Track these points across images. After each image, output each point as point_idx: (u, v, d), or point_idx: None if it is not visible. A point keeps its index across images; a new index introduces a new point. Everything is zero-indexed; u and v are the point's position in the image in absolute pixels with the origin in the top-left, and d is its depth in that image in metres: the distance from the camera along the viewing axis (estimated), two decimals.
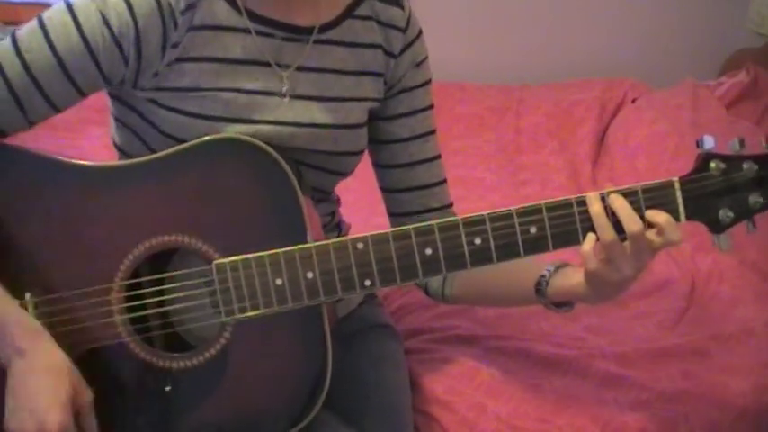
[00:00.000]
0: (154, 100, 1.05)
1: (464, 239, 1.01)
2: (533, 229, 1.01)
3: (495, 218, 1.01)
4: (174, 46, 1.03)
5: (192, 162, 1.03)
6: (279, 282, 1.01)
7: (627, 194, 1.00)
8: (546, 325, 1.43)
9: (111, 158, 1.16)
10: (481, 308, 1.47)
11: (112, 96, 1.11)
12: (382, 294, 1.48)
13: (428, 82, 1.22)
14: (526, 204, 1.01)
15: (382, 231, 1.02)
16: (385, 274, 1.02)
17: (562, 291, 1.08)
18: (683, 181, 1.01)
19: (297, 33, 1.09)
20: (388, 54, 1.16)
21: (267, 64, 1.08)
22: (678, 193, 1.01)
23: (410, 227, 1.01)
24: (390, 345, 1.30)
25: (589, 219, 0.99)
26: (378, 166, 1.25)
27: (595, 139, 2.21)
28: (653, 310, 1.49)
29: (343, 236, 1.30)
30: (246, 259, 1.01)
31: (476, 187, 2.04)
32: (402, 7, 1.17)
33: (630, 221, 0.98)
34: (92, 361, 1.04)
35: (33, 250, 1.04)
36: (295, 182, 1.02)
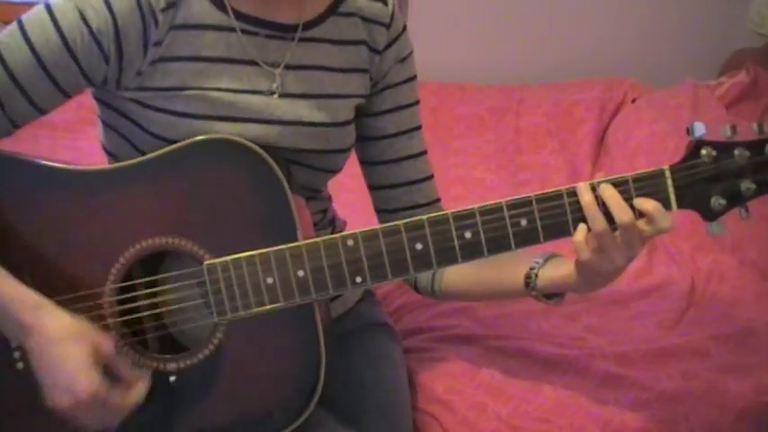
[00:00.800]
0: (139, 100, 1.05)
1: (454, 233, 1.01)
2: (524, 222, 1.01)
3: (485, 211, 1.01)
4: (157, 44, 1.03)
5: (180, 163, 1.03)
6: (270, 281, 1.01)
7: (617, 184, 1.00)
8: (546, 325, 1.43)
9: (105, 161, 1.16)
10: (481, 307, 1.47)
11: (98, 100, 1.11)
12: (381, 293, 1.48)
13: (413, 78, 1.22)
14: (516, 197, 1.01)
15: (372, 227, 1.02)
16: (376, 270, 1.02)
17: (551, 282, 1.08)
18: (673, 169, 1.01)
19: (280, 31, 1.09)
20: (372, 50, 1.16)
21: (252, 62, 1.08)
22: (669, 182, 1.01)
23: (400, 222, 1.01)
24: (388, 344, 1.30)
25: (580, 209, 0.99)
26: (364, 162, 1.25)
27: (595, 139, 2.21)
28: (653, 310, 1.49)
29: (337, 233, 1.30)
30: (237, 259, 1.01)
31: (476, 187, 2.04)
32: (385, 3, 1.17)
33: (620, 211, 0.98)
34: None
35: (24, 256, 1.03)
36: (284, 181, 1.01)
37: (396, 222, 1.01)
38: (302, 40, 1.10)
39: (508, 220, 1.01)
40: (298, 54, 1.10)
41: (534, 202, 1.01)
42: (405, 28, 1.20)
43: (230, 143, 1.02)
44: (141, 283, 1.05)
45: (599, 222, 0.98)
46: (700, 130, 1.01)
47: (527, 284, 1.10)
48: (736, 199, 1.02)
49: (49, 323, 0.96)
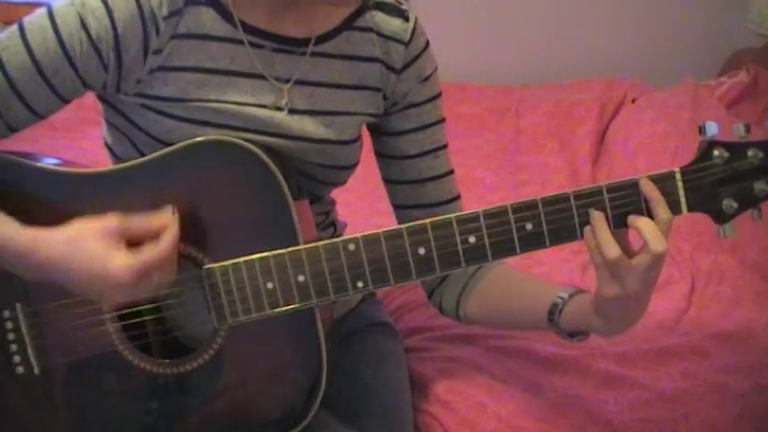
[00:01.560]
0: (139, 104, 1.04)
1: (458, 238, 0.99)
2: (529, 225, 0.98)
3: (489, 214, 0.98)
4: (156, 52, 1.01)
5: (180, 166, 1.02)
6: (270, 285, 1.00)
7: (626, 186, 0.98)
8: None
9: (108, 159, 1.15)
10: None
11: (101, 99, 1.10)
12: (382, 293, 1.48)
13: (437, 96, 1.18)
14: (521, 200, 0.99)
15: (374, 231, 1.00)
16: (377, 275, 1.00)
17: (575, 320, 1.05)
18: (684, 171, 0.98)
19: (289, 45, 1.07)
20: (389, 68, 1.13)
21: (258, 76, 1.05)
22: (680, 184, 0.98)
23: (402, 226, 0.99)
24: (390, 344, 1.30)
25: (586, 213, 0.97)
26: (387, 181, 1.22)
27: (595, 139, 2.20)
28: (653, 310, 1.48)
29: (338, 235, 1.29)
30: (236, 263, 1.00)
31: (476, 187, 2.04)
32: (406, 19, 1.13)
33: (655, 241, 0.94)
34: (86, 369, 1.04)
35: None
36: (284, 184, 1.00)
37: (398, 226, 1.00)
38: (312, 54, 1.08)
39: (513, 224, 0.98)
40: (306, 69, 1.08)
41: (540, 206, 0.98)
42: (427, 44, 1.15)
43: (231, 145, 1.00)
44: None
45: (612, 249, 0.94)
46: (712, 129, 0.97)
47: (550, 320, 1.07)
48: (748, 201, 0.99)
49: (52, 251, 0.93)
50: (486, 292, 1.17)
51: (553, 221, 0.98)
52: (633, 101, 2.28)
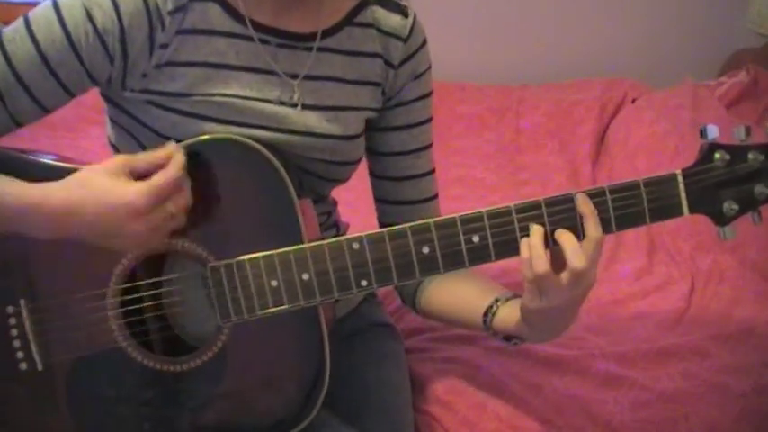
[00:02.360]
0: (144, 100, 1.04)
1: (462, 237, 0.99)
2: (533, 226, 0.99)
3: (493, 215, 0.99)
4: (163, 47, 1.02)
5: (185, 163, 1.01)
6: (274, 283, 1.00)
7: (628, 188, 0.99)
8: None
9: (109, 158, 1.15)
10: None
11: (105, 97, 1.10)
12: (382, 293, 1.48)
13: (428, 95, 1.19)
14: (525, 200, 0.99)
15: (378, 230, 1.00)
16: (381, 274, 1.00)
17: (506, 324, 1.06)
18: (685, 173, 0.99)
19: (293, 40, 1.07)
20: (388, 64, 1.14)
21: (263, 71, 1.06)
22: (681, 186, 0.99)
23: (406, 225, 1.00)
24: (390, 344, 1.30)
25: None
26: (371, 174, 1.24)
27: (595, 139, 2.21)
28: (653, 310, 1.49)
29: (340, 235, 1.29)
30: (241, 261, 1.00)
31: (476, 187, 2.04)
32: (405, 15, 1.14)
33: (575, 258, 0.94)
34: (89, 366, 1.04)
35: (26, 257, 1.03)
36: (289, 183, 1.00)
37: (402, 225, 1.00)
38: (317, 50, 1.08)
39: (517, 224, 0.99)
40: (312, 64, 1.08)
41: (543, 206, 0.98)
42: (425, 42, 1.16)
43: (236, 144, 1.01)
44: (145, 284, 1.04)
45: (541, 264, 0.95)
46: (713, 132, 0.98)
47: (484, 322, 1.08)
48: (749, 204, 0.99)
49: (65, 195, 0.93)
50: (438, 289, 1.18)
51: (557, 222, 0.99)
52: (633, 101, 2.28)
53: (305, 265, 1.00)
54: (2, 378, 1.04)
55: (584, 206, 0.97)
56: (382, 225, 1.23)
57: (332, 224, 1.27)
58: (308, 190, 1.13)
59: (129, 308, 1.04)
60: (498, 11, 2.58)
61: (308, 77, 1.08)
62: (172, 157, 0.96)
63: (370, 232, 1.00)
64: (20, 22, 1.00)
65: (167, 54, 1.02)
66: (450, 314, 1.17)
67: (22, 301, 1.03)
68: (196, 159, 1.01)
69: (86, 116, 2.15)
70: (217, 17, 1.04)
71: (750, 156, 0.98)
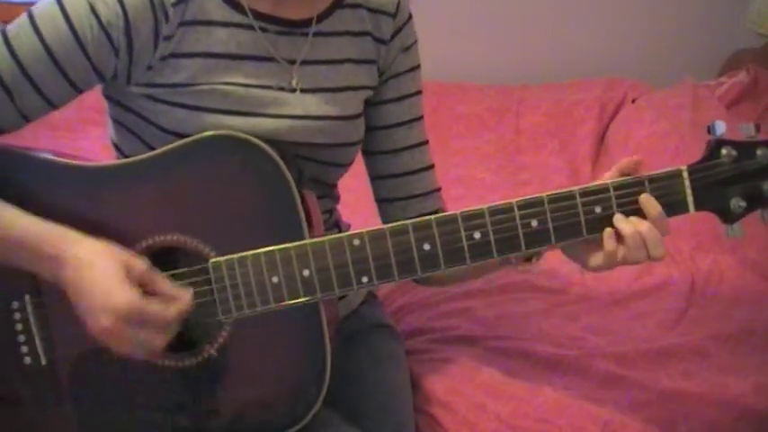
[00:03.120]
0: (149, 95, 1.05)
1: (463, 234, 0.99)
2: (535, 222, 0.99)
3: (494, 211, 0.99)
4: (167, 39, 1.03)
5: (187, 160, 1.03)
6: (275, 280, 1.01)
7: (633, 185, 0.99)
8: (546, 325, 1.43)
9: (110, 159, 1.16)
10: (481, 308, 1.47)
11: (108, 97, 1.11)
12: (382, 294, 1.48)
13: (417, 67, 1.21)
14: (527, 196, 0.99)
15: (379, 227, 1.00)
16: (382, 271, 1.01)
17: None
18: (691, 169, 0.99)
19: (290, 27, 1.09)
20: (378, 41, 1.16)
21: (265, 58, 1.08)
22: (687, 183, 0.98)
23: (408, 222, 1.00)
24: (391, 345, 1.30)
25: (593, 211, 0.98)
26: (364, 153, 1.24)
27: (595, 139, 2.21)
28: (653, 310, 1.49)
29: None
30: (242, 257, 1.00)
31: (476, 187, 2.04)
32: None
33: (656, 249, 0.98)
34: (92, 360, 1.04)
35: None
36: (290, 178, 1.01)
37: (403, 222, 1.00)
38: (314, 34, 1.10)
39: (518, 221, 0.99)
40: (309, 49, 1.10)
41: (546, 203, 0.98)
42: (410, 17, 1.19)
43: (238, 140, 1.01)
44: None
45: (641, 253, 0.97)
46: (721, 128, 0.97)
47: None
48: (757, 201, 0.99)
49: (78, 250, 0.95)
50: None
51: (559, 219, 0.99)
52: (633, 101, 2.28)
53: (306, 262, 1.00)
54: (7, 372, 1.05)
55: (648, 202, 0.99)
56: (381, 202, 1.24)
57: (333, 224, 1.27)
58: (313, 179, 1.13)
59: None
60: (498, 11, 2.58)
61: (306, 62, 1.10)
62: (182, 300, 0.97)
63: (371, 228, 1.00)
64: (24, 18, 1.01)
65: (171, 46, 1.03)
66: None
67: (26, 297, 1.03)
68: (199, 156, 1.02)
69: (86, 116, 2.15)
70: (217, 7, 1.05)
71: (759, 152, 0.97)
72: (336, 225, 1.28)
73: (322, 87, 1.11)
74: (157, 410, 1.06)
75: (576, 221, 0.99)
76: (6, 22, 1.02)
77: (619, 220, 0.99)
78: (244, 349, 1.04)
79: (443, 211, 1.23)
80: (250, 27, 1.06)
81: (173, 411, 1.06)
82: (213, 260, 1.01)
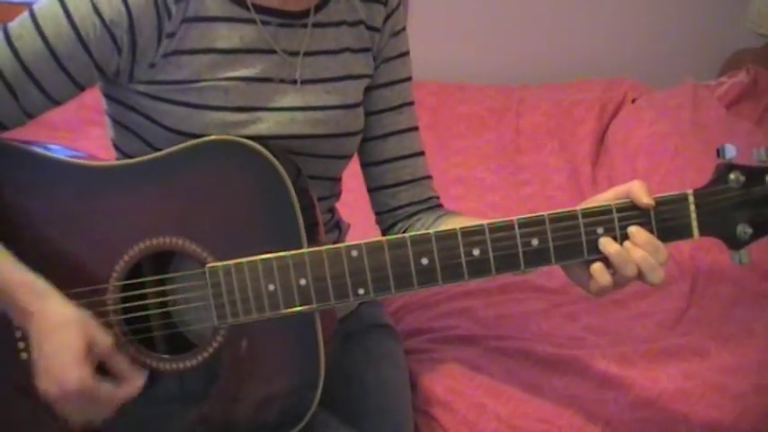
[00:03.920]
0: (151, 93, 1.05)
1: (462, 250, 0.98)
2: (535, 241, 0.97)
3: (494, 228, 0.97)
4: (170, 36, 1.03)
5: (188, 163, 1.02)
6: (271, 287, 1.00)
7: (636, 207, 0.96)
8: (546, 325, 1.43)
9: (110, 159, 1.16)
10: (481, 308, 1.47)
11: (107, 96, 1.11)
12: None
13: (406, 53, 1.21)
14: (528, 215, 0.98)
15: (377, 239, 1.00)
16: (379, 283, 0.99)
17: None
18: (697, 194, 0.96)
19: (290, 19, 1.09)
20: (372, 29, 1.16)
21: (266, 51, 1.08)
22: (692, 207, 0.96)
23: (407, 235, 0.99)
24: (390, 344, 1.30)
25: (595, 232, 0.96)
26: None
27: (595, 139, 2.21)
28: (653, 310, 1.49)
29: (342, 235, 1.30)
30: (239, 264, 1.00)
31: (476, 187, 2.04)
32: None
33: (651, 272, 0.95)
34: None
35: (28, 249, 1.03)
36: (291, 186, 1.00)
37: (402, 235, 0.99)
38: (312, 25, 1.11)
39: (519, 239, 0.97)
40: (309, 40, 1.10)
41: (547, 222, 0.97)
42: (400, 3, 1.19)
43: (239, 145, 1.01)
44: (145, 281, 1.04)
45: (630, 269, 0.95)
46: (731, 152, 0.94)
47: None
48: (764, 228, 0.96)
49: (51, 311, 0.96)
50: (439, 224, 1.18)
51: (560, 238, 0.97)
52: (633, 101, 2.28)
53: (303, 270, 0.99)
54: (3, 368, 1.05)
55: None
56: (371, 191, 1.24)
57: (334, 224, 1.27)
58: (316, 176, 1.13)
59: (129, 305, 1.04)
60: (498, 11, 2.58)
61: (307, 53, 1.10)
62: (133, 383, 0.99)
63: (370, 240, 0.99)
64: (25, 18, 1.01)
65: (174, 43, 1.03)
66: None
67: None
68: (199, 160, 1.02)
69: (86, 116, 2.15)
70: (218, 3, 1.05)
71: None
72: (337, 226, 1.28)
73: (323, 78, 1.12)
74: (150, 412, 1.06)
75: (576, 242, 0.97)
76: (6, 23, 1.03)
77: (604, 243, 0.96)
78: (239, 353, 1.04)
79: (437, 200, 1.24)
80: (251, 21, 1.07)
81: (165, 414, 1.06)
82: (210, 265, 1.01)
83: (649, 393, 1.25)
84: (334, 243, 1.20)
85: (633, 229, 0.96)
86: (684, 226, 0.96)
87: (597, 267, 0.96)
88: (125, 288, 1.04)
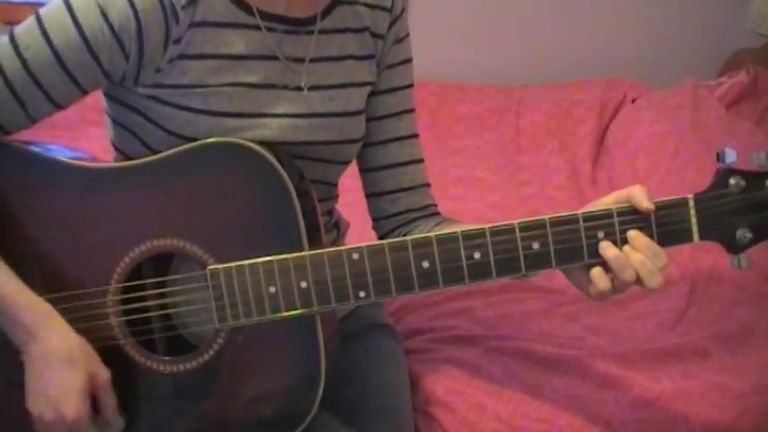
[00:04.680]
0: (155, 97, 1.05)
1: (463, 253, 0.98)
2: (536, 245, 0.97)
3: (495, 232, 0.98)
4: (177, 41, 1.03)
5: (190, 166, 1.02)
6: (272, 290, 1.00)
7: (637, 211, 0.96)
8: (546, 325, 1.43)
9: (109, 159, 1.16)
10: (481, 308, 1.47)
11: (109, 97, 1.11)
12: None
13: (409, 60, 1.21)
14: (529, 218, 0.98)
15: (378, 242, 1.00)
16: (380, 286, 1.00)
17: None
18: (698, 198, 0.96)
19: (296, 25, 1.09)
20: (376, 36, 1.16)
21: (271, 57, 1.08)
22: (692, 212, 0.96)
23: (408, 238, 0.99)
24: (390, 344, 1.30)
25: (595, 236, 0.97)
26: None
27: (595, 139, 2.21)
28: (653, 311, 1.49)
29: (341, 235, 1.30)
30: (240, 266, 1.00)
31: (476, 187, 2.04)
32: None
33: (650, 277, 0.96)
34: None
35: (29, 251, 1.03)
36: (292, 188, 1.00)
37: (403, 238, 1.00)
38: (318, 32, 1.10)
39: (519, 243, 0.97)
40: (314, 47, 1.10)
41: (548, 226, 0.97)
42: (404, 10, 1.19)
43: (241, 147, 1.01)
44: (146, 283, 1.05)
45: (629, 274, 0.95)
46: (731, 156, 0.95)
47: None
48: (764, 232, 0.96)
49: (54, 337, 0.99)
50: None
51: (560, 242, 0.97)
52: (633, 101, 2.28)
53: (304, 273, 1.00)
54: (3, 367, 1.05)
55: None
56: (369, 197, 1.24)
57: (333, 224, 1.27)
58: (317, 180, 1.13)
59: (130, 306, 1.04)
60: (498, 11, 2.58)
61: (313, 60, 1.10)
62: (114, 423, 1.03)
63: (371, 243, 1.00)
64: (33, 24, 1.00)
65: (180, 48, 1.03)
66: None
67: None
68: (201, 162, 1.02)
69: (87, 117, 2.15)
70: (225, 8, 1.05)
71: None
72: (336, 226, 1.28)
73: (327, 84, 1.12)
74: (150, 414, 1.06)
75: (577, 246, 0.97)
76: (7, 23, 1.02)
77: (603, 247, 0.97)
78: (239, 355, 1.04)
79: (434, 207, 1.24)
80: (257, 27, 1.06)
81: (166, 416, 1.06)
82: (211, 267, 1.01)
83: (649, 393, 1.25)
84: (333, 242, 1.21)
85: (633, 234, 0.96)
86: (684, 230, 0.97)
87: (596, 272, 0.97)
88: (126, 290, 1.04)
